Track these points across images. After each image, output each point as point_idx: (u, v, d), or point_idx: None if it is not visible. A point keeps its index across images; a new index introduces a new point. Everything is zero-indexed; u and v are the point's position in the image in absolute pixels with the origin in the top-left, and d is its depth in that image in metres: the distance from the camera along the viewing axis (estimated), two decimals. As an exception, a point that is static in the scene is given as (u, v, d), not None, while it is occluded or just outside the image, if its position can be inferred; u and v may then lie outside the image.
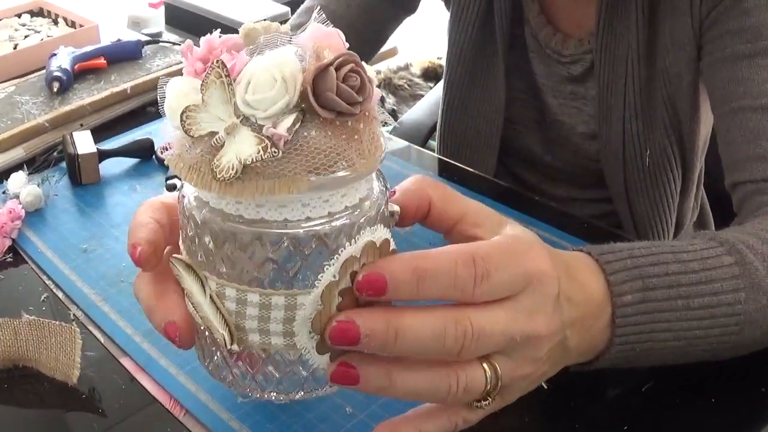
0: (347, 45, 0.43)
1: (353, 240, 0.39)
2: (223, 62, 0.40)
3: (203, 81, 0.40)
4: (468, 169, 0.90)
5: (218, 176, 0.39)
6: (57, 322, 0.59)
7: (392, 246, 0.41)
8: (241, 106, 0.39)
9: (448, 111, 0.99)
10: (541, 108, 0.95)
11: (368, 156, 0.39)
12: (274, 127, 0.38)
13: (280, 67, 0.39)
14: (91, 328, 0.65)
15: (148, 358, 0.61)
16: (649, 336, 0.51)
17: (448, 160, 0.95)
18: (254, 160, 0.38)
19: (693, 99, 0.83)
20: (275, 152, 0.38)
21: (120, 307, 0.67)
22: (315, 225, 0.41)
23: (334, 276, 0.39)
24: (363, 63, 0.41)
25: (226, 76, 0.40)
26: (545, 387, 0.57)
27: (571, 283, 0.47)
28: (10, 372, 0.60)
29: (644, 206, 0.91)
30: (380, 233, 0.40)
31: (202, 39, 0.44)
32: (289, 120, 0.39)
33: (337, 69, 0.38)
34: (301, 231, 0.41)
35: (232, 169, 0.38)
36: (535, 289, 0.44)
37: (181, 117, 0.40)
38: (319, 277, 0.39)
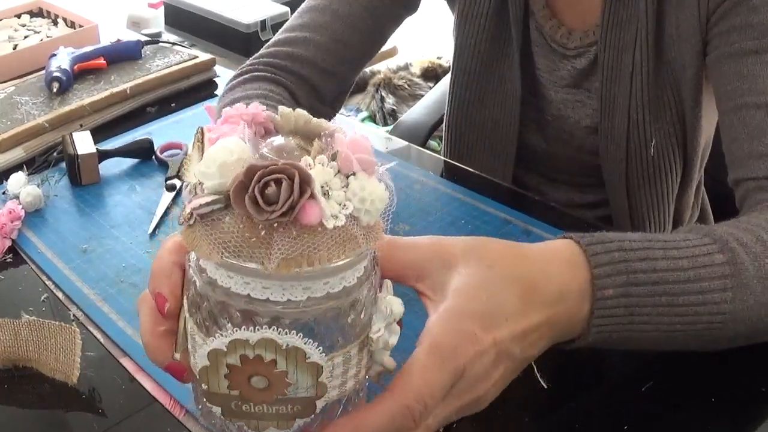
0: (372, 155, 0.43)
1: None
2: (202, 130, 0.43)
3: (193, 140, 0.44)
4: (468, 169, 0.90)
5: (179, 219, 0.42)
6: (57, 323, 0.59)
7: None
8: (196, 172, 0.42)
9: (460, 103, 0.98)
10: (541, 104, 0.95)
11: (277, 261, 0.39)
12: (191, 200, 0.41)
13: (230, 152, 0.41)
14: (91, 328, 0.65)
15: (148, 359, 0.61)
16: (627, 327, 0.52)
17: (448, 159, 0.95)
18: (181, 219, 0.42)
19: (695, 92, 0.83)
20: (187, 220, 0.41)
21: (120, 307, 0.67)
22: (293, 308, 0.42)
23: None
24: (313, 181, 0.41)
25: (200, 142, 0.43)
26: (545, 387, 0.57)
27: (528, 306, 0.47)
28: (10, 372, 0.60)
29: (644, 199, 0.91)
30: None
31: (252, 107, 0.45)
32: (209, 198, 0.41)
33: (267, 174, 0.40)
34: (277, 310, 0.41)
35: (183, 218, 0.42)
36: (467, 373, 0.44)
37: (182, 162, 0.42)
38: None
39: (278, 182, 0.39)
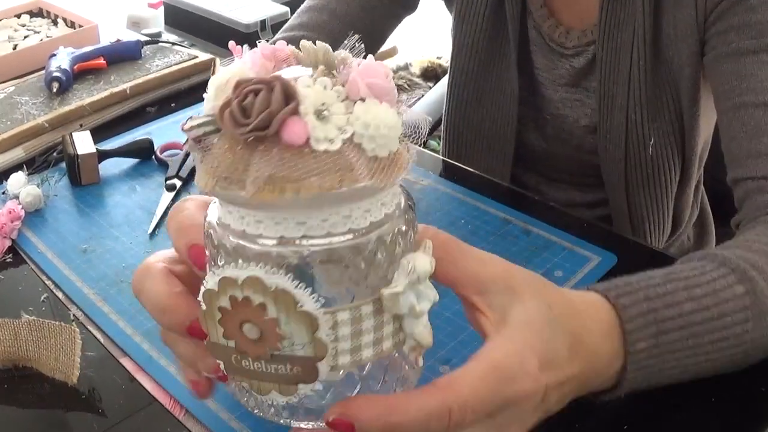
0: (390, 78, 0.40)
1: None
2: (214, 59, 0.41)
3: None
4: (468, 168, 0.90)
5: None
6: (57, 323, 0.59)
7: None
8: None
9: (458, 103, 0.98)
10: (540, 104, 0.95)
11: (255, 184, 0.36)
12: (191, 126, 0.39)
13: (228, 73, 0.39)
14: (91, 328, 0.65)
15: (148, 358, 0.61)
16: (657, 374, 0.52)
17: (447, 159, 0.95)
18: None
19: (693, 91, 0.83)
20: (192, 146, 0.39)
21: (120, 307, 0.67)
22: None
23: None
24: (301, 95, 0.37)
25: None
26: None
27: (574, 357, 0.46)
28: (10, 372, 0.60)
29: (642, 199, 0.91)
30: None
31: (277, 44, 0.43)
32: (200, 120, 0.39)
33: (249, 86, 0.37)
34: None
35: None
36: (513, 408, 0.43)
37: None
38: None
39: (257, 93, 0.37)
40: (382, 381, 0.43)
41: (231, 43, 0.43)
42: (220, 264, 0.39)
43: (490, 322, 0.44)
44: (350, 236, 0.38)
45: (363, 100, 0.38)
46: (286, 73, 0.39)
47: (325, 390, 0.42)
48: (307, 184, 0.35)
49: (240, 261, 0.38)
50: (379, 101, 0.38)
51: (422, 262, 0.40)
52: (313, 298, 0.37)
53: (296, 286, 0.37)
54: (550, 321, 0.45)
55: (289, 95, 0.36)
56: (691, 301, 0.53)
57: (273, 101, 0.36)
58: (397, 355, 0.43)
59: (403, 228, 0.40)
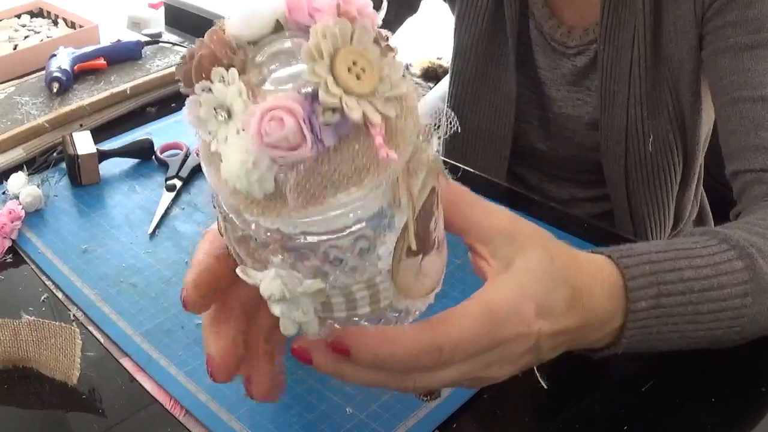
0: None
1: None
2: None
3: None
4: (468, 168, 0.90)
5: None
6: (57, 323, 0.59)
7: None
8: None
9: (457, 104, 0.99)
10: (543, 103, 0.95)
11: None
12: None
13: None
14: (91, 328, 0.65)
15: (148, 359, 0.61)
16: (655, 336, 0.53)
17: (447, 159, 0.95)
18: None
19: (694, 87, 0.84)
20: None
21: (120, 308, 0.67)
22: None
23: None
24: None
25: None
26: (545, 387, 0.57)
27: (572, 310, 0.47)
28: (10, 372, 0.60)
29: (644, 196, 0.92)
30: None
31: None
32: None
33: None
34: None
35: None
36: (504, 348, 0.45)
37: None
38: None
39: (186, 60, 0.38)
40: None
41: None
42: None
43: (492, 270, 0.46)
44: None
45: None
46: (281, 71, 0.39)
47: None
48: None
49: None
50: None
51: (267, 286, 0.39)
52: None
53: None
54: (551, 272, 0.46)
55: (197, 75, 0.38)
56: (692, 269, 0.54)
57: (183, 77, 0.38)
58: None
59: None
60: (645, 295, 0.51)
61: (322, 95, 0.36)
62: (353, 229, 0.39)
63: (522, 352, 0.46)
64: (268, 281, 0.39)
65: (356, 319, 0.43)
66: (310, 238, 0.38)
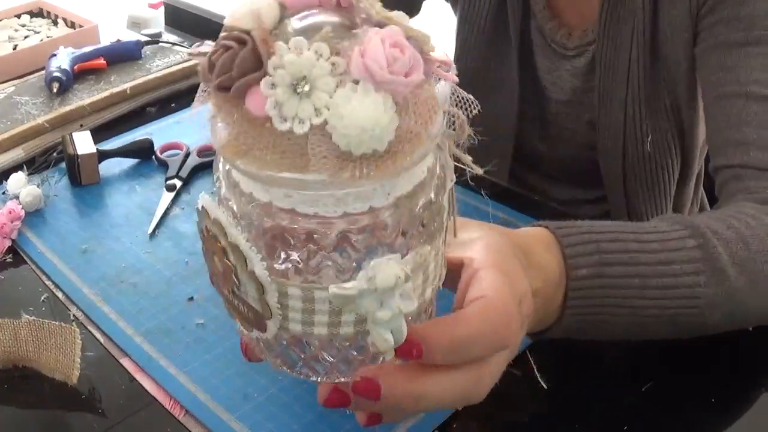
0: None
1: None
2: None
3: None
4: (469, 169, 0.90)
5: None
6: (57, 323, 0.59)
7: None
8: None
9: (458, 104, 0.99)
10: (542, 105, 0.95)
11: (220, 141, 0.36)
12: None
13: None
14: (91, 328, 0.65)
15: (148, 358, 0.61)
16: (601, 309, 0.52)
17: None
18: None
19: (691, 85, 0.84)
20: None
21: (120, 308, 0.67)
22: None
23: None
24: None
25: None
26: (545, 387, 0.57)
27: (528, 271, 0.47)
28: (10, 372, 0.60)
29: (641, 196, 0.92)
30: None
31: None
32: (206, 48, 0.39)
33: (226, 36, 0.36)
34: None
35: None
36: (500, 356, 0.44)
37: None
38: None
39: (227, 49, 0.34)
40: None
41: None
42: (218, 187, 0.39)
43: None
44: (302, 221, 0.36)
45: (356, 82, 0.33)
46: (302, 22, 0.36)
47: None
48: (256, 156, 0.34)
49: (231, 201, 0.38)
50: (374, 89, 0.33)
51: (386, 274, 0.35)
52: (263, 264, 0.36)
53: (250, 247, 0.36)
54: (496, 236, 0.47)
55: (257, 60, 0.33)
56: (638, 242, 0.53)
57: (236, 65, 0.33)
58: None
59: (383, 225, 0.37)
60: (585, 262, 0.51)
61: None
62: (425, 183, 0.39)
63: (510, 353, 0.45)
64: (384, 269, 0.35)
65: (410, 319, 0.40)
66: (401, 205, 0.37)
